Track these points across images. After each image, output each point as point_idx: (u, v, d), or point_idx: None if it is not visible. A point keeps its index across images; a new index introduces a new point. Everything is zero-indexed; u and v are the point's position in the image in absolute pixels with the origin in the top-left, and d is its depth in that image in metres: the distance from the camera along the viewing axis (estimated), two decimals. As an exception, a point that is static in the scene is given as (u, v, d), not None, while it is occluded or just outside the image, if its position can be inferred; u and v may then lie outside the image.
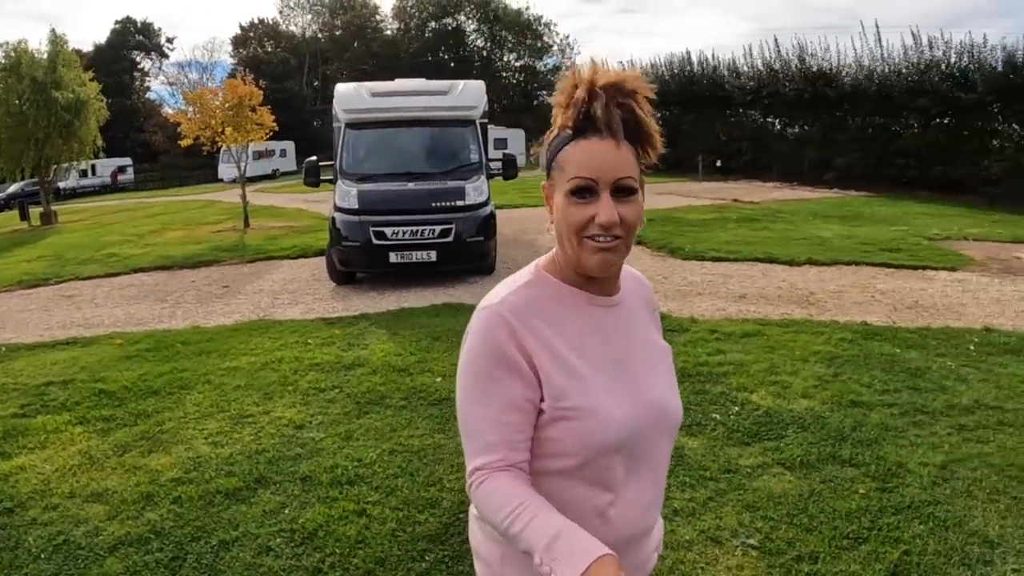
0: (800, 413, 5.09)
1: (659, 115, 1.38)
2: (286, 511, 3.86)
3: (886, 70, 21.19)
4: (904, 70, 20.65)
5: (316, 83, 63.77)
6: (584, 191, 1.30)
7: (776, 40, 27.23)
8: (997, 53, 19.22)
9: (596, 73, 1.32)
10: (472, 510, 1.54)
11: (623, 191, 1.31)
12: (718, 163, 26.70)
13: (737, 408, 5.12)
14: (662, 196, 18.77)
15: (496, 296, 1.41)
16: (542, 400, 1.35)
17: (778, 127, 27.16)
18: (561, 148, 1.34)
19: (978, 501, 4.00)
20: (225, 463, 4.44)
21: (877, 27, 22.90)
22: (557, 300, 1.40)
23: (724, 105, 28.04)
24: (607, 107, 1.29)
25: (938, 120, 20.49)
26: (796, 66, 24.95)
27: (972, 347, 6.96)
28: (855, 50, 26.67)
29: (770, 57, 26.39)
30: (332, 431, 4.91)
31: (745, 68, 27.49)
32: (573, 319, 1.39)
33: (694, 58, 30.07)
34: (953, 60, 19.97)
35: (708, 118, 28.34)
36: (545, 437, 1.37)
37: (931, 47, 20.33)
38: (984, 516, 3.83)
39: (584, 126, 1.31)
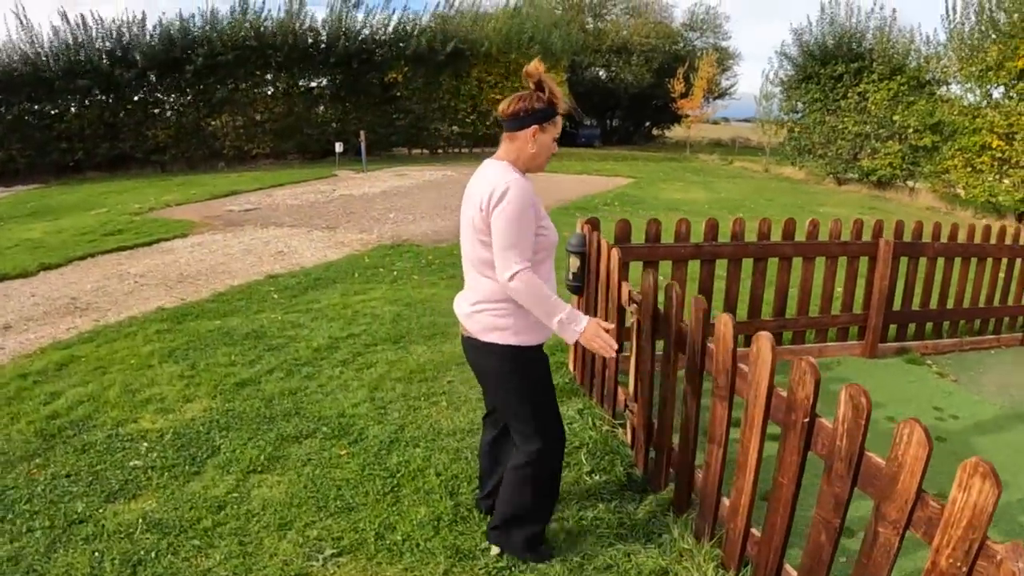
0: (198, 414, 4.41)
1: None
2: None
3: (40, 53, 19.42)
4: (61, 51, 19.31)
5: None
6: (556, 139, 2.84)
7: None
8: (156, 29, 20.19)
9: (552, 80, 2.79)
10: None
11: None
12: None
13: (141, 442, 4.09)
14: None
15: (512, 176, 2.68)
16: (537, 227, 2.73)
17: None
18: (554, 116, 2.77)
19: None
20: None
21: (23, 8, 20.52)
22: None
23: None
24: (563, 101, 2.80)
25: (100, 97, 20.14)
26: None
27: (276, 295, 7.18)
28: (8, 33, 23.32)
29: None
30: None
31: None
32: None
33: None
34: (113, 36, 19.82)
35: None
36: (539, 239, 2.74)
37: (84, 26, 19.55)
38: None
39: (558, 110, 2.79)
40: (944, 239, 6.36)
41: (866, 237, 6.05)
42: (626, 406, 4.06)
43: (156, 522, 3.32)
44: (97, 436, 4.17)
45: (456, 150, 25.53)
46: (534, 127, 2.72)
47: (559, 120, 2.79)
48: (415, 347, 5.73)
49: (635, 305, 3.72)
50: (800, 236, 5.83)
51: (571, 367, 5.19)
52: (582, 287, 4.68)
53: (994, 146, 16.58)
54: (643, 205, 14.42)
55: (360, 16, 22.53)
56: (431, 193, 15.12)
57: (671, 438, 3.46)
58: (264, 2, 24.65)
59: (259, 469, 3.79)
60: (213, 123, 21.53)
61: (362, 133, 20.07)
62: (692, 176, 21.46)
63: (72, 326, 6.28)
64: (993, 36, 16.33)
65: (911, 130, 19.03)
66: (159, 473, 3.77)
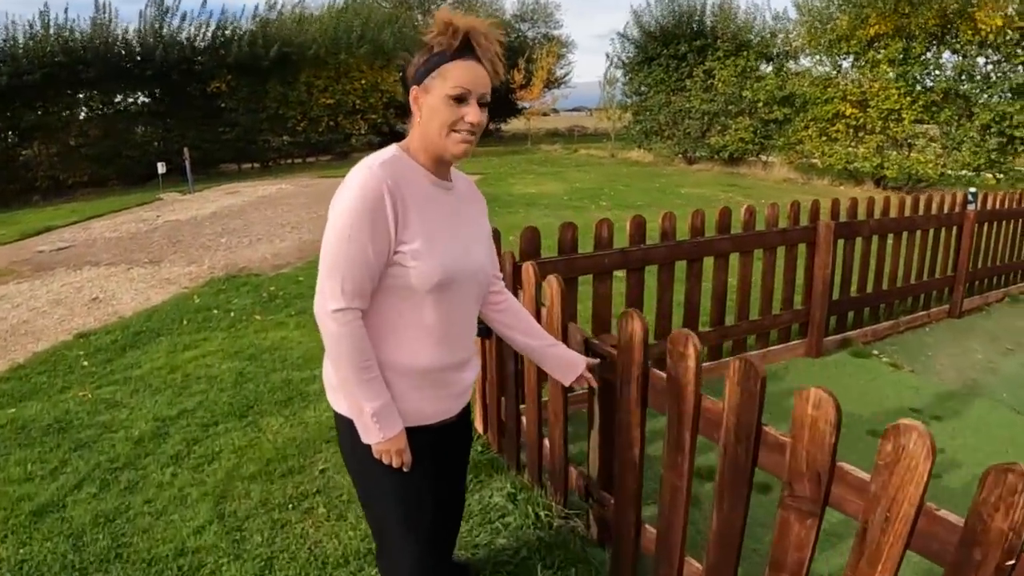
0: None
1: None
2: None
3: None
4: None
5: None
6: (461, 98, 1.79)
7: None
8: None
9: (469, 14, 1.81)
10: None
11: (484, 103, 1.83)
12: None
13: None
14: None
15: (373, 161, 1.80)
16: (394, 252, 1.79)
17: None
18: (442, 63, 1.79)
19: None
20: None
21: None
22: (412, 175, 1.85)
23: None
24: (483, 39, 1.79)
25: None
26: None
27: (86, 361, 5.66)
28: None
29: None
30: None
31: None
32: (422, 193, 1.85)
33: None
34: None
35: None
36: (397, 273, 1.81)
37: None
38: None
39: (464, 50, 1.79)
40: (877, 214, 5.69)
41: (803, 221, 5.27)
42: (589, 495, 2.94)
43: None
44: None
45: (289, 161, 23.70)
46: (414, 89, 1.86)
47: (454, 69, 1.79)
48: (268, 420, 4.39)
49: (601, 362, 2.60)
50: (736, 228, 4.94)
51: (479, 428, 4.02)
52: (489, 329, 3.28)
53: (848, 114, 16.73)
54: (499, 202, 13.46)
55: (175, 23, 20.44)
56: (267, 211, 13.57)
57: (683, 551, 2.36)
58: (66, 13, 21.93)
59: None
60: (24, 152, 19.08)
61: (186, 150, 18.01)
62: (540, 168, 20.81)
63: None
64: (842, 6, 16.40)
65: (761, 104, 19.06)
66: None
